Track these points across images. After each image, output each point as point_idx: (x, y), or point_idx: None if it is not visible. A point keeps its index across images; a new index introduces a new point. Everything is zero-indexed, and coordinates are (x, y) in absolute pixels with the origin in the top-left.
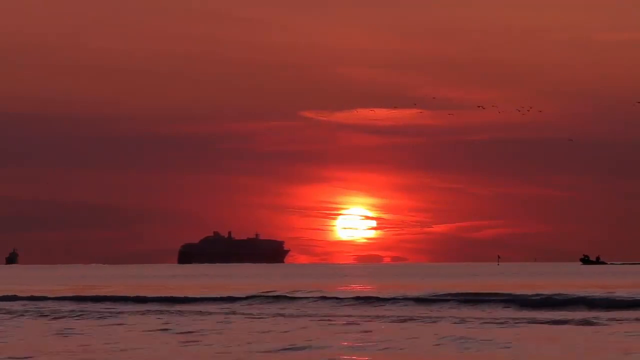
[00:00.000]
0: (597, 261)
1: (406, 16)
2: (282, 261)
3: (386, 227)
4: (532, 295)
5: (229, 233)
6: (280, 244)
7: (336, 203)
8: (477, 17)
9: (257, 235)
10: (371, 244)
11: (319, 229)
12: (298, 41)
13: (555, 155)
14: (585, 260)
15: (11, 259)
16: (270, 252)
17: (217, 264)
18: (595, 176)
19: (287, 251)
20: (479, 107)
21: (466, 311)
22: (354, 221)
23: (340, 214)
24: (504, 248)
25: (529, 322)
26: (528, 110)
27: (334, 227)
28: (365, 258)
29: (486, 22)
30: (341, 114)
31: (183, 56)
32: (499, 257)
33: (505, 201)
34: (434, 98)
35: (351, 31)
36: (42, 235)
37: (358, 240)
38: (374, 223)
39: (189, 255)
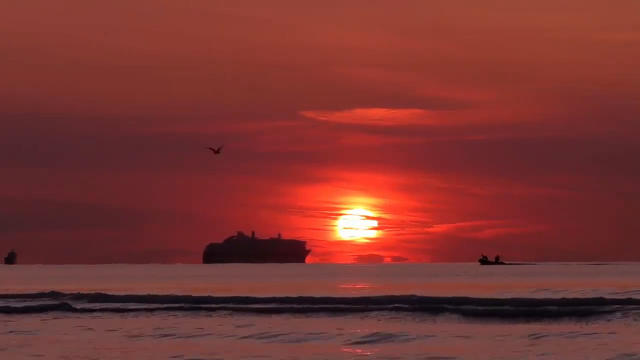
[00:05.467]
0: (496, 262)
1: (406, 16)
2: (303, 261)
3: (387, 227)
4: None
5: (253, 233)
6: (303, 244)
7: (337, 203)
8: (477, 17)
9: (279, 235)
10: (372, 244)
11: (319, 229)
12: (298, 41)
13: (555, 155)
14: (484, 261)
15: (10, 259)
16: (292, 252)
17: (247, 264)
18: (595, 176)
19: (308, 251)
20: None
21: None
22: (355, 221)
23: (341, 214)
24: (504, 248)
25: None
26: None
27: (335, 227)
28: (366, 258)
29: (486, 22)
30: (341, 114)
31: (183, 56)
32: (499, 257)
33: (505, 201)
34: (434, 98)
35: (351, 31)
36: (42, 235)
37: (359, 240)
38: (375, 223)
39: (213, 255)
